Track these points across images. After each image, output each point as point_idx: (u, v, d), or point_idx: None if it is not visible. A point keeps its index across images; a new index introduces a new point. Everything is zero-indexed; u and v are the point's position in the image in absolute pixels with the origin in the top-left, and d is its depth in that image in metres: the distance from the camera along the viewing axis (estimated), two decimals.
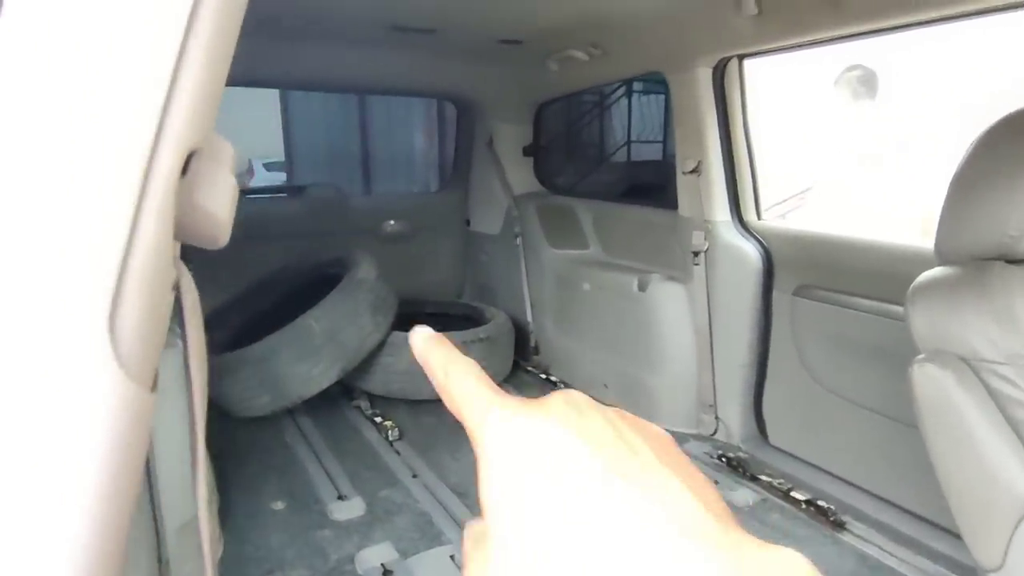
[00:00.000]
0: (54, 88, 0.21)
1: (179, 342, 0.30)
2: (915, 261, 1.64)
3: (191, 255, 0.32)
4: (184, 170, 0.24)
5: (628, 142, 8.02)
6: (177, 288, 0.26)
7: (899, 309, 1.70)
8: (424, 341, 0.27)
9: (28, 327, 0.20)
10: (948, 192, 1.11)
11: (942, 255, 1.12)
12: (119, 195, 0.21)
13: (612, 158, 8.08)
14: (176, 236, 0.25)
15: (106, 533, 0.21)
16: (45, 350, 0.20)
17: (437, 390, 0.26)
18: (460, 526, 1.83)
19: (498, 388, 0.25)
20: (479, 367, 0.26)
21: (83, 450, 0.20)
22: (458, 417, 0.25)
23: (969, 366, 1.03)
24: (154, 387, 0.23)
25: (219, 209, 0.26)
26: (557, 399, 0.24)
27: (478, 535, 0.22)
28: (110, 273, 0.21)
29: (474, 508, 1.61)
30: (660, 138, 8.10)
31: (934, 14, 1.58)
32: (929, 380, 1.04)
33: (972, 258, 1.08)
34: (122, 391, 0.21)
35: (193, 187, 0.25)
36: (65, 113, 0.21)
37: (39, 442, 0.20)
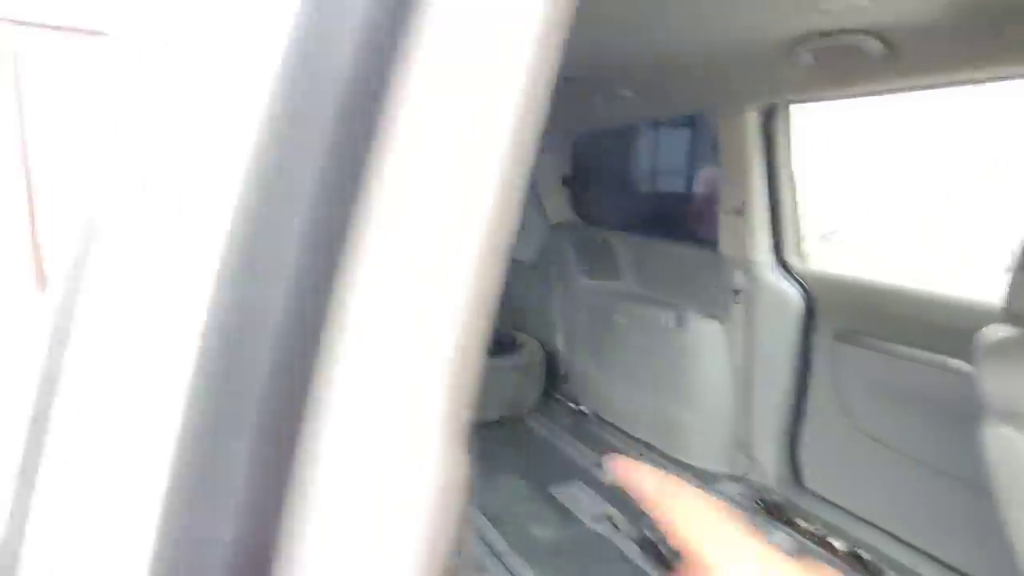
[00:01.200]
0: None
1: None
2: (962, 313, 1.64)
3: None
4: None
5: (660, 174, 8.02)
6: None
7: (948, 360, 1.71)
8: (658, 484, 0.31)
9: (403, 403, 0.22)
10: (1023, 246, 1.11)
11: (1013, 313, 1.12)
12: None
13: (648, 190, 8.07)
14: None
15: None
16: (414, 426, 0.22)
17: (665, 525, 0.29)
18: (497, 556, 1.83)
19: (741, 528, 0.28)
20: (722, 505, 0.29)
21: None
22: (694, 549, 0.27)
23: None
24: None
25: None
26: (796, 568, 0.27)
27: None
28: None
29: (508, 536, 1.58)
30: (691, 171, 8.09)
31: (988, 74, 1.60)
32: (1005, 443, 1.04)
33: None
34: (454, 460, 0.23)
35: None
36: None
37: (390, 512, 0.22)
